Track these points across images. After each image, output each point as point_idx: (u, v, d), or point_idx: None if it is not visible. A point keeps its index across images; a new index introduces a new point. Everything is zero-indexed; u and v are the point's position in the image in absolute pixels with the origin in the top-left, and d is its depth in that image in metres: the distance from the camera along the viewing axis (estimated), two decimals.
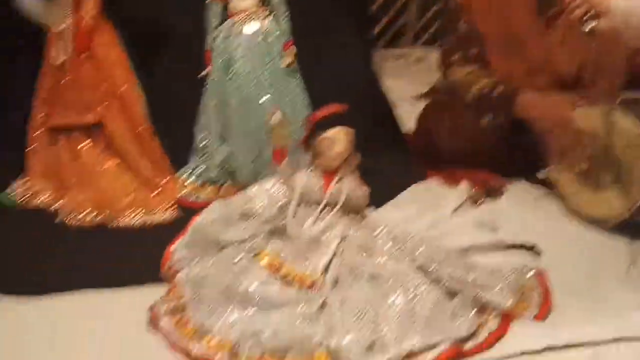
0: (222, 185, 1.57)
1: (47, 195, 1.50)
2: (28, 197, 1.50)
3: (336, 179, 1.30)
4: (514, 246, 1.41)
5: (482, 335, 1.12)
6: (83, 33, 1.47)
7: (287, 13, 1.55)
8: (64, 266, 1.31)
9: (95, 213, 1.45)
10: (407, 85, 2.51)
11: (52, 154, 1.53)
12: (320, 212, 1.28)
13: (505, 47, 1.72)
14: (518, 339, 1.10)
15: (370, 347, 1.08)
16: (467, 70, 1.71)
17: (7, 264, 1.30)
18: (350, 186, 1.31)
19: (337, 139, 1.28)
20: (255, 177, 1.52)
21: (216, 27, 1.58)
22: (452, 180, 1.68)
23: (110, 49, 1.52)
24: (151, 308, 1.16)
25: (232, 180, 1.57)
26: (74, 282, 1.26)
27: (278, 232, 1.28)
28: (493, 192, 1.65)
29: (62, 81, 1.50)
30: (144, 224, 1.45)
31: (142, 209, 1.47)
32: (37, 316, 1.18)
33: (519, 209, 1.58)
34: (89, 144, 1.52)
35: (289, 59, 1.56)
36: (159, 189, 1.52)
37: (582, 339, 1.08)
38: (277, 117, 1.34)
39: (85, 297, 1.23)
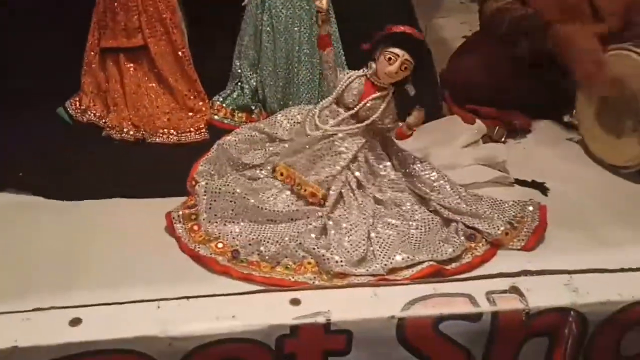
0: (253, 111, 1.67)
1: (96, 111, 1.65)
2: (80, 112, 1.66)
3: (377, 94, 1.28)
4: (523, 183, 1.46)
5: (466, 259, 1.19)
6: None
7: None
8: (104, 176, 1.46)
9: (135, 129, 1.59)
10: (461, 23, 2.51)
11: (102, 74, 1.66)
12: (346, 118, 1.29)
13: None
14: (498, 263, 1.17)
15: (359, 261, 1.17)
16: (500, 5, 1.71)
17: (54, 171, 1.46)
18: (385, 109, 1.29)
19: (398, 58, 1.23)
20: (283, 106, 1.61)
21: None
22: (478, 117, 1.72)
23: None
24: (167, 214, 1.29)
25: (262, 107, 1.67)
26: (111, 190, 1.42)
27: (294, 147, 1.34)
28: (517, 131, 1.68)
29: (114, 5, 1.63)
30: (177, 142, 1.58)
31: (177, 129, 1.60)
32: (76, 219, 1.34)
33: (539, 149, 1.61)
34: (133, 66, 1.65)
35: None
36: (194, 112, 1.64)
37: (558, 267, 1.13)
38: (324, 1, 1.30)
39: (118, 204, 1.39)
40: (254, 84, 1.67)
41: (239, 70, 1.69)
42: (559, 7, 1.69)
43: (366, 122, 1.28)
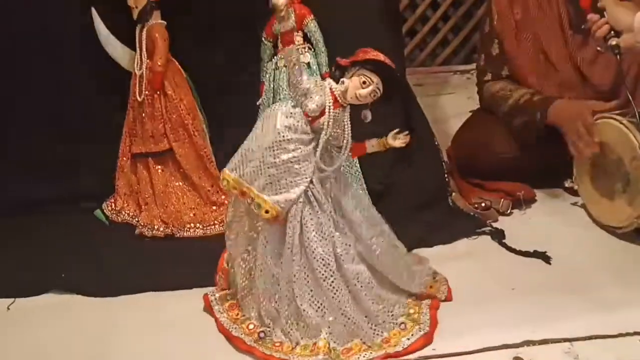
0: None
1: (130, 211, 1.81)
2: (115, 212, 1.82)
3: (338, 110, 1.25)
4: (526, 254, 1.54)
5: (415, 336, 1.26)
6: (156, 76, 1.75)
7: (324, 48, 1.76)
8: (138, 271, 1.59)
9: (164, 226, 1.74)
10: (467, 98, 2.63)
11: (133, 177, 1.83)
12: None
13: (537, 66, 1.83)
14: (501, 334, 1.23)
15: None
16: (499, 87, 1.84)
17: (94, 270, 1.59)
18: (340, 126, 1.27)
19: (372, 84, 1.23)
20: None
21: (268, 62, 1.83)
22: (483, 191, 1.81)
23: (178, 87, 1.78)
24: (205, 296, 1.40)
25: None
26: (144, 284, 1.54)
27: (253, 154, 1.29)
28: (522, 202, 1.77)
29: (142, 115, 1.80)
30: (203, 235, 1.72)
31: (202, 223, 1.74)
32: (114, 313, 1.45)
33: (544, 217, 1.70)
34: (161, 167, 1.81)
35: None
36: (217, 205, 1.78)
37: (559, 335, 1.20)
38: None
39: (151, 297, 1.50)
40: None
41: None
42: (555, 89, 1.80)
43: (323, 135, 1.24)
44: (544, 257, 1.51)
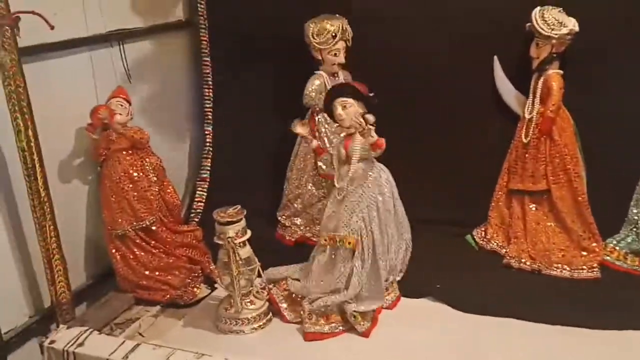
0: None
1: (499, 241, 1.96)
2: (485, 240, 1.98)
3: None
4: None
5: None
6: (546, 120, 1.86)
7: None
8: (501, 297, 1.71)
9: (532, 261, 1.84)
10: None
11: (506, 210, 1.97)
12: None
13: None
14: None
15: None
16: None
17: (463, 286, 1.78)
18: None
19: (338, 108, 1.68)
20: None
21: None
22: None
23: (564, 133, 1.87)
24: None
25: None
26: (505, 310, 1.66)
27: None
28: None
29: (525, 155, 1.93)
30: (570, 277, 1.78)
31: (570, 265, 1.80)
32: (479, 330, 1.61)
33: None
34: (535, 206, 1.92)
35: None
36: (587, 251, 1.82)
37: None
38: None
39: (509, 324, 1.62)
40: None
41: (636, 217, 1.81)
42: None
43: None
44: None
